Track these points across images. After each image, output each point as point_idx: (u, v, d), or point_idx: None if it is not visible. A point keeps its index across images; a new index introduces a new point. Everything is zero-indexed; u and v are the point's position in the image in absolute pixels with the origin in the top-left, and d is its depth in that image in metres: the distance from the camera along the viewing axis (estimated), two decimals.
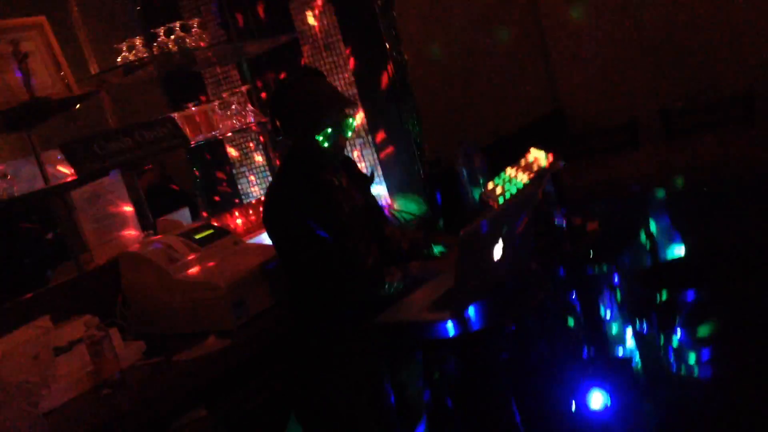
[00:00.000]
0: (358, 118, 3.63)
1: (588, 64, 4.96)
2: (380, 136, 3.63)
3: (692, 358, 2.77)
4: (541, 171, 2.47)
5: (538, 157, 2.56)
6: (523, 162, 2.59)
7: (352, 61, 3.58)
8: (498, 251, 2.04)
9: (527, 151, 2.71)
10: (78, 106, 3.08)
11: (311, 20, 3.65)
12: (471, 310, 2.11)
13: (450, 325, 2.06)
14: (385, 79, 3.47)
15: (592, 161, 3.92)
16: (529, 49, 5.09)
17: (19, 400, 2.05)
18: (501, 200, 2.45)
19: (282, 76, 3.80)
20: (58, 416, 2.16)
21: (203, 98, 3.96)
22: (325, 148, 2.40)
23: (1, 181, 2.42)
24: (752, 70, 4.36)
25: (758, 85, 4.13)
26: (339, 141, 2.42)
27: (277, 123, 2.42)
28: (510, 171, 2.62)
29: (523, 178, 2.50)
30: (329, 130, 2.37)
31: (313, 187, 2.43)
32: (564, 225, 2.64)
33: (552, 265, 2.49)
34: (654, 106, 4.23)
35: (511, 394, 2.21)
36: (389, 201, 3.70)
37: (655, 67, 4.74)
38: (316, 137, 2.38)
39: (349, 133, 2.44)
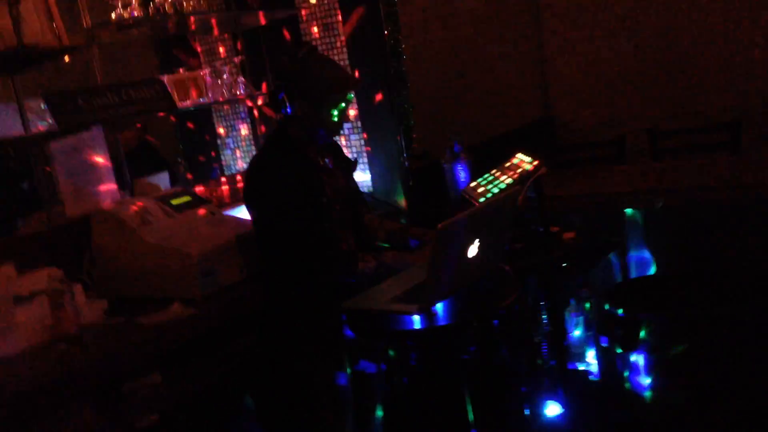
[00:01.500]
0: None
1: (583, 76, 4.98)
2: (370, 123, 3.61)
3: (650, 379, 2.78)
4: (525, 175, 2.47)
5: (523, 160, 2.56)
6: (507, 164, 2.59)
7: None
8: (473, 250, 2.04)
9: (513, 154, 2.70)
10: (67, 58, 3.03)
11: None
12: (439, 306, 2.10)
13: (416, 318, 2.06)
14: (381, 66, 3.45)
15: (576, 172, 3.93)
16: (527, 55, 5.10)
17: None
18: (482, 200, 2.45)
19: (277, 51, 3.77)
20: (10, 365, 2.13)
21: (194, 63, 3.91)
22: (332, 122, 2.46)
23: None
24: (740, 99, 4.42)
25: (745, 113, 4.17)
26: (344, 119, 2.51)
27: (291, 91, 2.42)
28: (494, 172, 2.62)
29: (506, 180, 2.50)
30: (343, 104, 2.46)
31: (300, 164, 2.42)
32: (541, 231, 2.65)
33: (525, 270, 2.49)
34: (643, 125, 4.25)
35: (466, 392, 2.21)
36: (371, 189, 3.69)
37: (647, 87, 4.78)
38: (331, 110, 2.43)
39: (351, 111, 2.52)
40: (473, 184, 2.62)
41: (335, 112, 2.46)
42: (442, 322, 2.05)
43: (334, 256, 2.44)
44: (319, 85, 2.42)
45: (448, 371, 2.22)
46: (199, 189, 3.43)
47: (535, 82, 5.10)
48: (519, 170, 2.52)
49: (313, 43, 3.63)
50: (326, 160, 2.60)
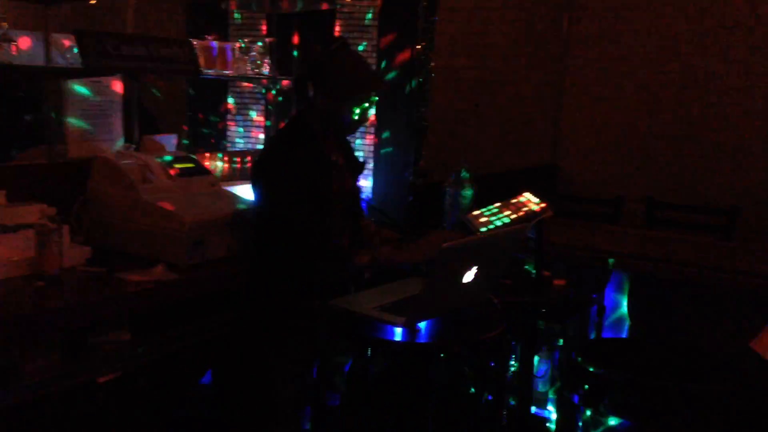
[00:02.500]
0: None
1: (594, 133, 5.04)
2: (383, 131, 3.62)
3: None
4: (531, 214, 2.49)
5: (530, 200, 2.58)
6: (514, 200, 2.60)
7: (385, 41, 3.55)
8: (469, 276, 2.04)
9: (519, 192, 2.72)
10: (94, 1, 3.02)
11: None
12: (423, 324, 2.10)
13: (399, 330, 2.06)
14: (406, 78, 3.46)
15: (571, 223, 3.96)
16: (545, 100, 5.15)
17: None
18: (483, 229, 2.46)
19: (308, 40, 3.78)
20: None
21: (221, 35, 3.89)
22: (351, 120, 2.44)
23: (6, 44, 2.34)
24: (739, 187, 4.50)
25: (743, 202, 4.25)
26: (363, 119, 2.49)
27: (317, 81, 2.42)
28: (499, 205, 2.63)
29: (511, 215, 2.52)
30: (365, 105, 2.44)
31: (312, 155, 2.41)
32: (533, 273, 2.67)
33: (511, 306, 2.50)
34: (642, 193, 4.32)
35: (429, 414, 2.21)
36: (369, 196, 3.68)
37: (654, 157, 4.85)
38: (353, 107, 2.41)
39: (371, 113, 2.51)
40: (476, 212, 2.63)
41: (356, 111, 2.45)
42: (423, 340, 2.05)
43: (329, 250, 2.43)
44: (346, 80, 2.41)
45: (416, 388, 2.22)
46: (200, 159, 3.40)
47: (548, 128, 5.15)
48: (525, 209, 2.53)
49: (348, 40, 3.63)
50: (338, 156, 2.60)
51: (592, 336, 3.36)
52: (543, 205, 2.54)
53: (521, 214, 2.52)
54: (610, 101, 4.96)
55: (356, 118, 2.46)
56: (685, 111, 4.74)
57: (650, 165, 4.83)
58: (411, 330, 2.04)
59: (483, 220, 2.55)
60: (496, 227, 2.42)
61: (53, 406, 2.10)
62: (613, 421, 2.68)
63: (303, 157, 2.39)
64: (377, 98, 2.56)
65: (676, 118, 4.78)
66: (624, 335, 3.46)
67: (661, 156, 4.82)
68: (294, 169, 2.35)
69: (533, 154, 5.08)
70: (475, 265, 2.03)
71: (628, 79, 4.91)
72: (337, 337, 2.33)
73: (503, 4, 5.10)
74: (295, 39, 3.82)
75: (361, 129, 3.58)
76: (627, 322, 3.48)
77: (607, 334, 3.46)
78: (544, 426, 3.09)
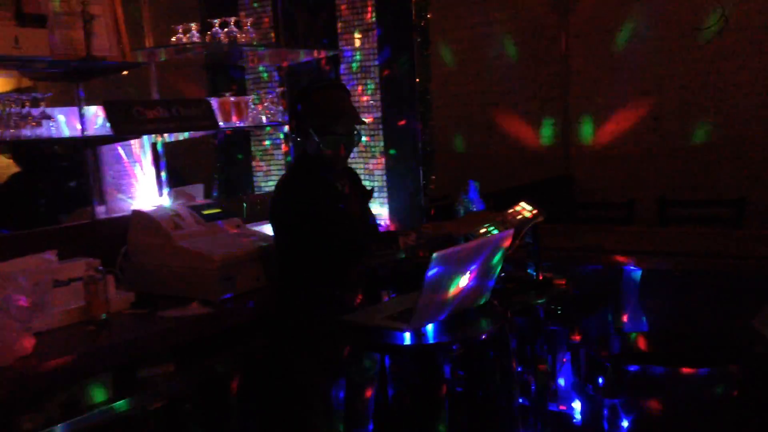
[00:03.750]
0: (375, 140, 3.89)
1: (603, 141, 5.22)
2: (393, 160, 3.87)
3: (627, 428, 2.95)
4: (524, 221, 2.71)
5: (525, 208, 2.79)
6: (510, 210, 2.82)
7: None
8: (464, 281, 2.27)
9: (516, 202, 2.93)
10: (126, 72, 3.36)
11: (356, 42, 3.93)
12: (429, 327, 2.33)
13: (407, 335, 2.29)
14: (409, 111, 3.72)
15: (587, 228, 4.14)
16: (553, 115, 5.35)
17: (15, 317, 2.27)
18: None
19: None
20: (45, 338, 2.38)
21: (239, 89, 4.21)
22: (326, 153, 2.66)
23: (46, 121, 2.68)
24: (746, 180, 4.61)
25: (750, 193, 4.37)
26: (339, 151, 2.69)
27: (293, 122, 2.69)
28: (496, 216, 2.85)
29: (506, 224, 2.73)
30: (332, 137, 2.63)
31: (321, 185, 2.66)
32: (534, 275, 2.87)
33: (511, 307, 2.71)
34: (653, 193, 4.47)
35: (446, 414, 2.41)
36: (388, 223, 3.93)
37: (662, 158, 4.99)
38: (326, 142, 2.64)
39: (352, 147, 2.73)
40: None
41: (330, 143, 2.64)
42: (426, 341, 2.28)
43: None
44: (316, 114, 2.65)
45: (431, 389, 2.43)
46: (227, 203, 3.69)
47: (557, 141, 5.35)
48: (519, 216, 2.75)
49: (350, 83, 3.92)
50: (344, 186, 2.83)
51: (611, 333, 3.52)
52: (535, 211, 2.74)
53: (516, 222, 2.73)
54: (615, 109, 5.15)
55: (331, 151, 2.66)
56: (689, 110, 4.89)
57: (659, 165, 4.98)
58: (415, 333, 2.27)
59: (482, 231, 2.78)
60: (489, 235, 2.64)
61: None
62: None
63: (311, 185, 2.64)
64: (359, 135, 2.74)
65: (681, 116, 4.92)
66: (643, 329, 3.60)
67: (670, 156, 4.95)
68: (305, 196, 2.60)
69: (545, 167, 5.28)
70: (468, 270, 2.25)
71: (629, 87, 5.09)
72: (356, 348, 2.56)
73: (503, 29, 5.35)
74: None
75: (374, 161, 3.85)
76: (644, 318, 3.62)
77: (625, 329, 3.61)
78: (570, 422, 3.25)
